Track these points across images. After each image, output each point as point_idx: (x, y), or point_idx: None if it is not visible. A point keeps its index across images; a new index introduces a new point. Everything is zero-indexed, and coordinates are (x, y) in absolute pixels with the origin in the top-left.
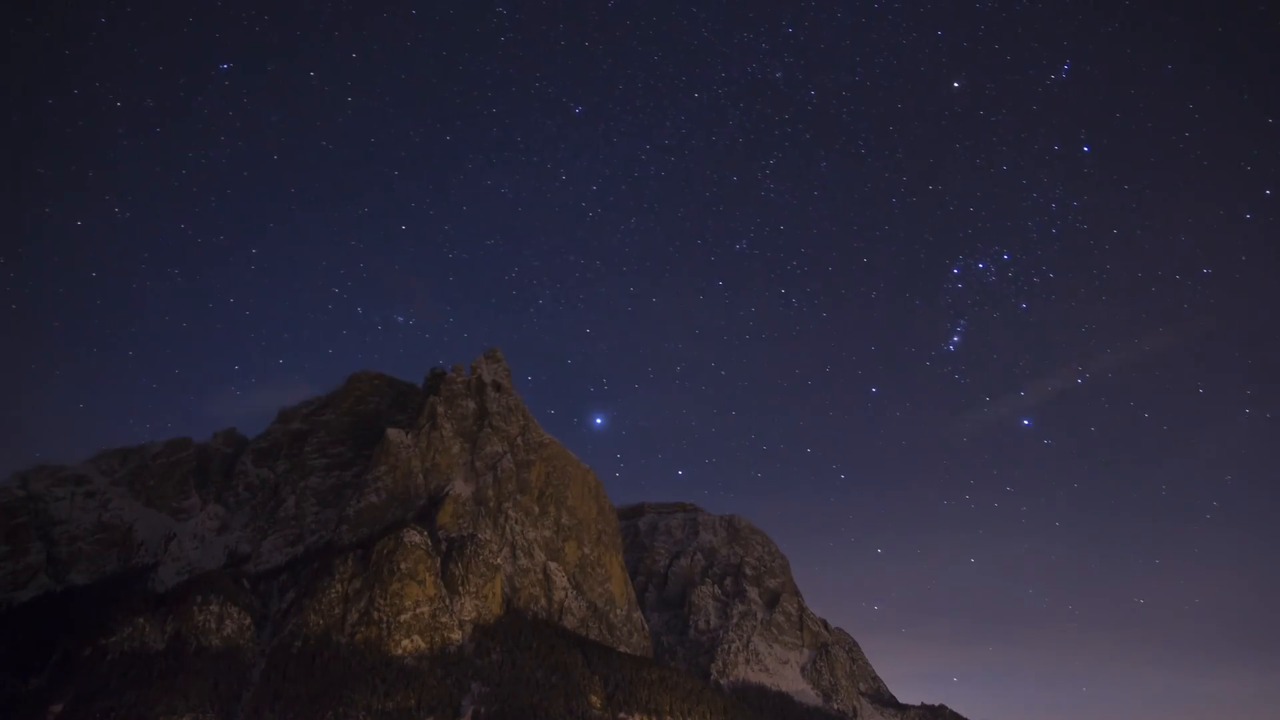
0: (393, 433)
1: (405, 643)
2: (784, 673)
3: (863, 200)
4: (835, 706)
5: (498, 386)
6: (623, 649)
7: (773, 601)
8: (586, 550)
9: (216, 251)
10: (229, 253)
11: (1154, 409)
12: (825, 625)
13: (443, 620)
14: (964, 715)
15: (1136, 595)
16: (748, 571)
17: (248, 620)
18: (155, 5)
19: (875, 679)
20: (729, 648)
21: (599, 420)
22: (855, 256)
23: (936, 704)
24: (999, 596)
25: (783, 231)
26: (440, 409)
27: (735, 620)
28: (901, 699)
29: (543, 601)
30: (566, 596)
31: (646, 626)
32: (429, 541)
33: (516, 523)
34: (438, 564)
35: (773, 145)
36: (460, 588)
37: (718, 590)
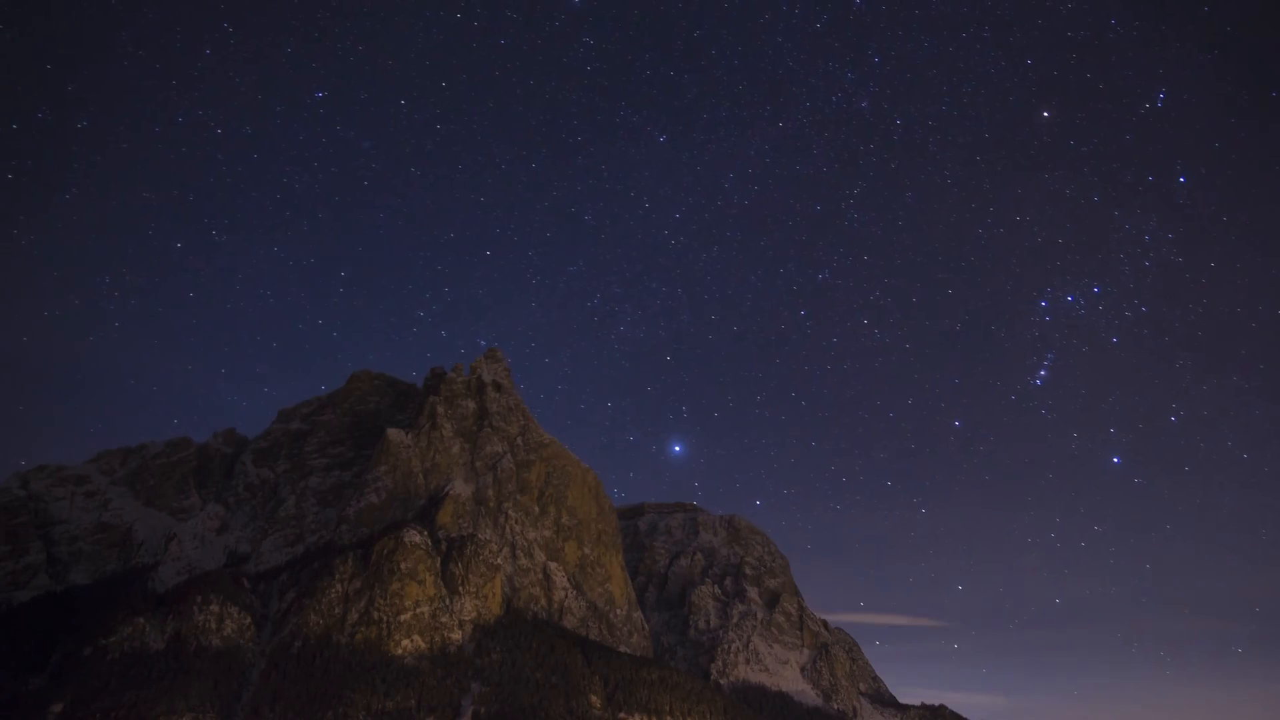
0: (393, 433)
1: (405, 643)
2: (784, 673)
3: (948, 231)
4: (835, 706)
5: (498, 386)
6: (623, 649)
7: (773, 601)
8: (586, 550)
9: (306, 273)
10: (318, 275)
11: (1253, 449)
12: (825, 625)
13: (443, 620)
14: (964, 716)
15: (1235, 644)
16: (748, 571)
17: (248, 620)
18: (256, 37)
19: (875, 679)
20: (729, 648)
21: (678, 448)
22: (940, 287)
23: (936, 704)
24: (1085, 639)
25: (866, 262)
26: (440, 409)
27: (735, 620)
28: None
29: (543, 601)
30: (566, 596)
31: (646, 626)
32: (429, 541)
33: (516, 523)
34: (438, 564)
35: (857, 175)
36: (460, 588)
37: (718, 590)
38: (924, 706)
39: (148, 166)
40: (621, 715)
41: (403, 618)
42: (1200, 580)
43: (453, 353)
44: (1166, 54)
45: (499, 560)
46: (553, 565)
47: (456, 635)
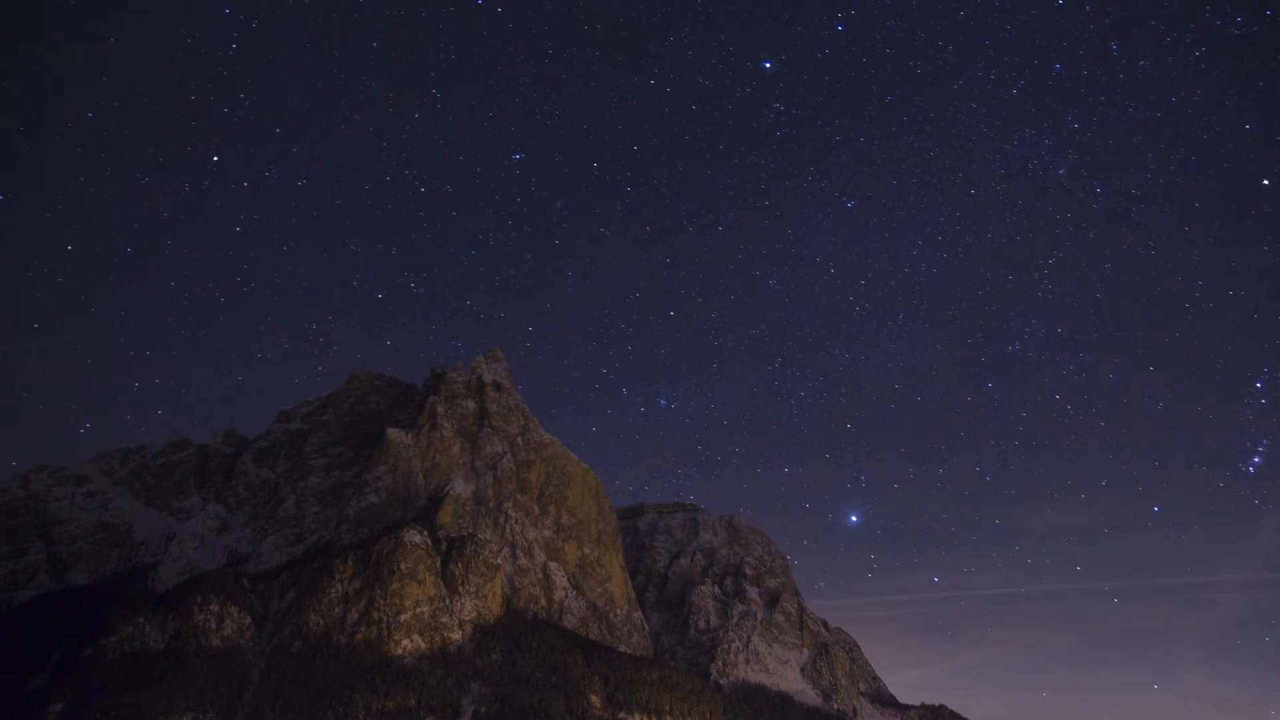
0: (393, 433)
1: (405, 643)
2: (784, 673)
3: (1151, 304)
4: (835, 706)
5: (498, 386)
6: (623, 649)
7: (773, 601)
8: (586, 550)
9: (496, 327)
10: (507, 329)
11: None
12: (825, 625)
13: (443, 620)
14: (963, 716)
15: None
16: (748, 571)
17: (248, 620)
18: (461, 103)
19: (875, 679)
20: (729, 648)
21: (855, 518)
22: (1141, 364)
23: (936, 704)
24: None
25: (1060, 334)
26: (440, 409)
27: (735, 620)
28: None
29: (543, 601)
30: (566, 596)
31: (646, 626)
32: (429, 541)
33: (516, 522)
34: (438, 564)
35: (1053, 244)
36: (460, 588)
37: (718, 590)
38: (924, 706)
39: (356, 221)
40: (621, 715)
41: (403, 618)
42: None
43: (632, 410)
44: None
45: (499, 560)
46: (553, 565)
47: (456, 635)
